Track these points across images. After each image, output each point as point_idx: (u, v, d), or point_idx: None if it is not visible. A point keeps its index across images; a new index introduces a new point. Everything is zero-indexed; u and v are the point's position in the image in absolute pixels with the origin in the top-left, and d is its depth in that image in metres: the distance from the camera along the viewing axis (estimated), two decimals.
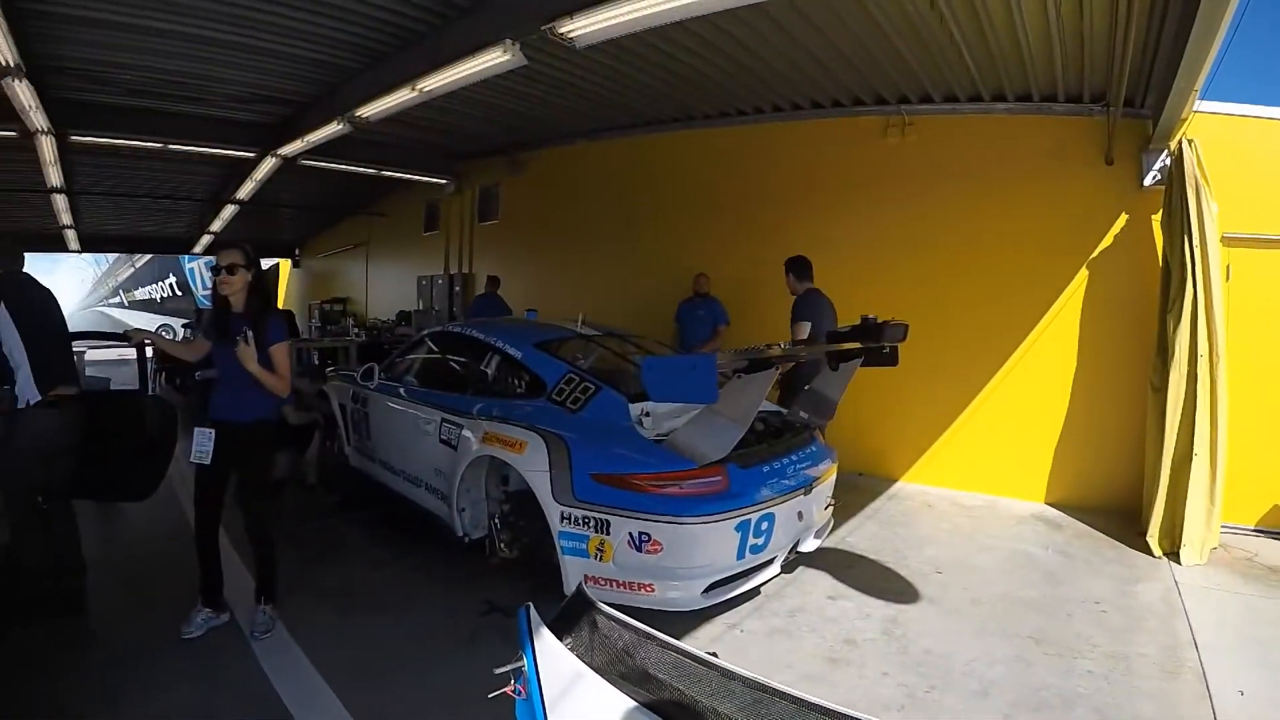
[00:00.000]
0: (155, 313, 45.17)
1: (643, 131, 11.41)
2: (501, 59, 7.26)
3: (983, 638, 4.96)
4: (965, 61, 7.51)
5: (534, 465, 5.07)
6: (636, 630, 1.83)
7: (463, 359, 7.00)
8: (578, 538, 4.85)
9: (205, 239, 21.40)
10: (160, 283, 47.16)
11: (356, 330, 15.55)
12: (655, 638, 1.78)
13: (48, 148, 11.92)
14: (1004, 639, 4.95)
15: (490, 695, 1.95)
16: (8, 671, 4.47)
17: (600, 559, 4.78)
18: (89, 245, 21.36)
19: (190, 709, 4.17)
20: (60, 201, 15.87)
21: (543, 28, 6.59)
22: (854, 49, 7.62)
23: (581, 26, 6.49)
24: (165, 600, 5.41)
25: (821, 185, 9.67)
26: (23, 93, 9.00)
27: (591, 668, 1.79)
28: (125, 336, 5.62)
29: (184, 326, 19.45)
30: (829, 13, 6.91)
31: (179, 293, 43.75)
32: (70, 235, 19.89)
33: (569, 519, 4.87)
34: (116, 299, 56.48)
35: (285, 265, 25.21)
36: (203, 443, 4.85)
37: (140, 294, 51.77)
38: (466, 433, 5.83)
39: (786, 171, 9.99)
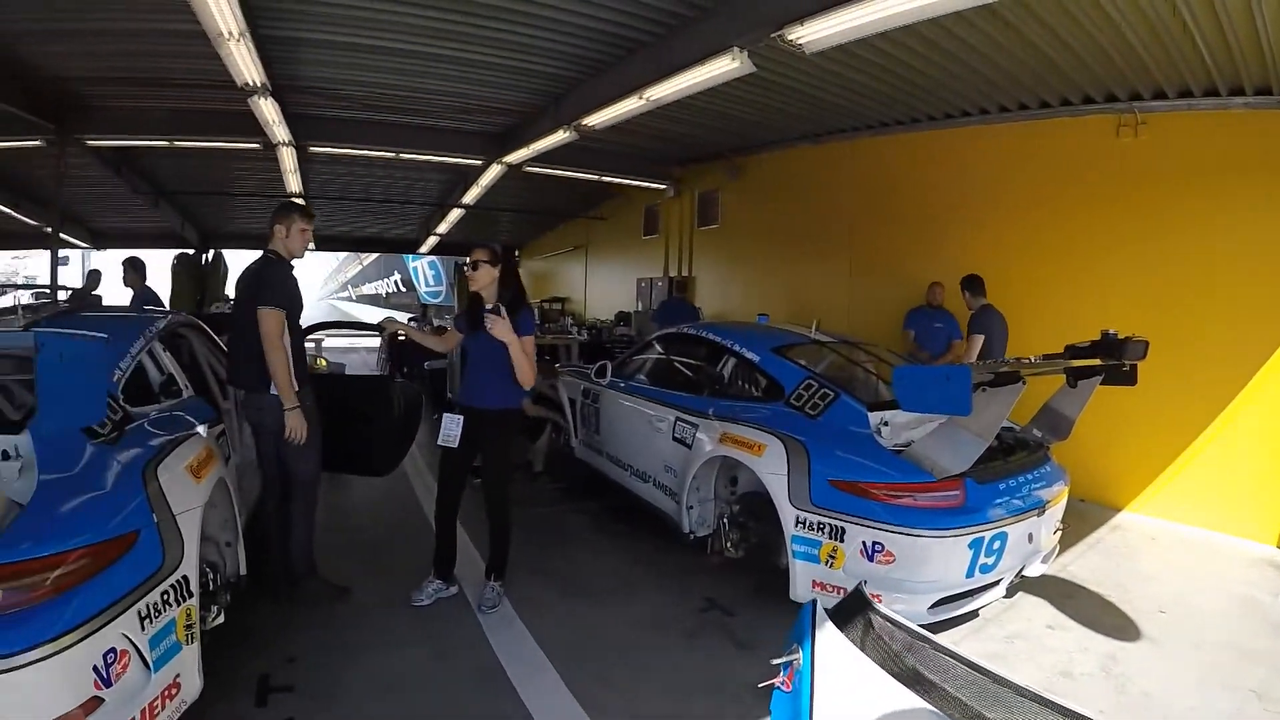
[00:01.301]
0: (380, 307, 47.49)
1: (864, 134, 11.20)
2: (730, 67, 7.33)
3: (1203, 688, 4.64)
4: (1200, 53, 7.07)
5: (772, 468, 5.13)
6: (912, 632, 1.87)
7: (698, 360, 7.14)
8: (811, 543, 4.88)
9: (431, 240, 22.54)
10: (386, 279, 49.64)
11: (576, 328, 15.91)
12: (930, 640, 1.82)
13: (288, 158, 13.16)
14: (1225, 691, 4.62)
15: (760, 685, 2.03)
16: (260, 623, 4.95)
17: (831, 566, 4.81)
18: (322, 245, 22.89)
19: (419, 670, 4.55)
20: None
21: (773, 35, 6.63)
22: (1084, 44, 7.26)
23: (812, 32, 6.49)
24: (396, 568, 5.96)
25: (1048, 189, 9.16)
26: (267, 109, 9.98)
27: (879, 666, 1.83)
28: (379, 327, 6.05)
29: (410, 320, 20.39)
30: (1059, 8, 6.65)
31: (403, 289, 45.85)
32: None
33: (804, 524, 4.90)
34: (345, 293, 59.91)
35: None
36: (451, 427, 5.23)
37: (367, 289, 54.76)
38: (702, 433, 5.92)
39: (1012, 174, 9.55)
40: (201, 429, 4.40)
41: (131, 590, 3.14)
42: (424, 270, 40.95)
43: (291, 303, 5.09)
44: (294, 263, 5.30)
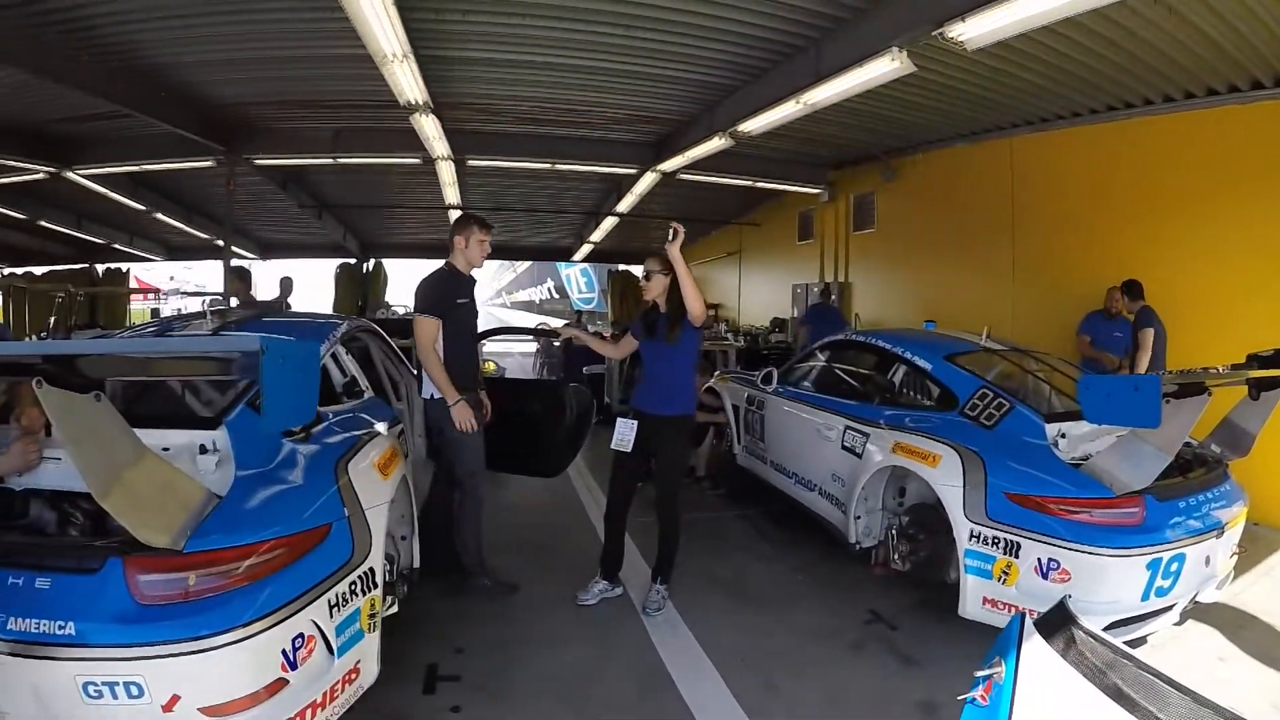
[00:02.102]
0: (533, 313, 48.42)
1: (1023, 131, 10.84)
2: (890, 68, 7.30)
3: None
4: None
5: (947, 480, 5.01)
6: (1115, 648, 1.80)
7: (867, 368, 7.06)
8: (984, 557, 4.75)
9: (585, 248, 22.84)
10: (538, 286, 50.72)
11: (731, 335, 15.88)
12: (1133, 657, 1.74)
13: (447, 171, 13.69)
14: None
15: (959, 697, 1.97)
16: (431, 614, 5.16)
17: (1004, 582, 4.68)
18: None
19: (584, 667, 4.65)
20: (455, 216, 17.44)
21: (933, 33, 6.56)
22: (1253, 27, 6.89)
23: (974, 28, 6.40)
24: (561, 567, 6.13)
25: (1215, 183, 8.51)
26: (428, 126, 10.43)
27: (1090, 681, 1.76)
28: (553, 333, 6.18)
29: (564, 325, 20.73)
30: None
31: (556, 295, 46.69)
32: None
33: (978, 537, 4.77)
34: (499, 300, 61.43)
35: None
36: (625, 432, 5.34)
37: (520, 296, 56.08)
38: (873, 442, 5.83)
39: (1178, 168, 8.93)
40: (382, 427, 4.60)
41: (323, 580, 3.37)
42: (576, 277, 41.70)
43: (448, 311, 5.39)
44: (473, 273, 5.65)
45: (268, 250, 23.53)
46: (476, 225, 5.56)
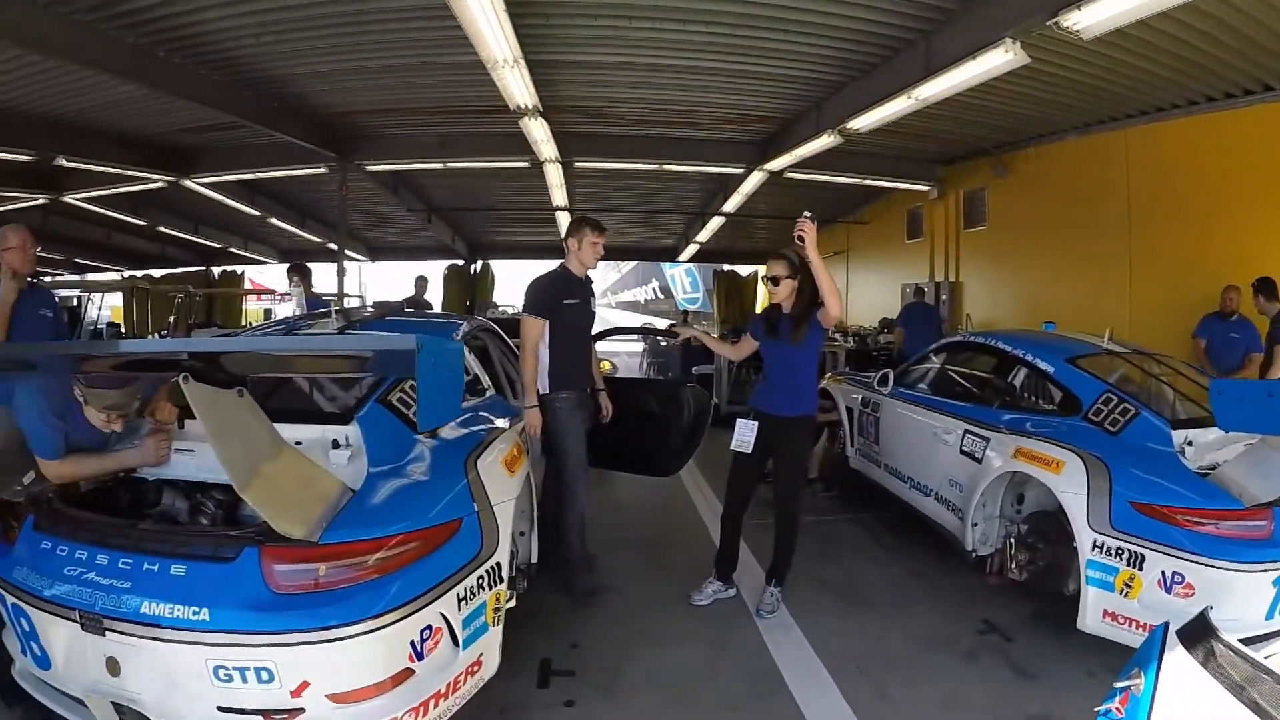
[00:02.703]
0: (638, 313, 48.63)
1: (1138, 122, 10.48)
2: (1003, 59, 7.20)
3: None
4: None
5: (1071, 487, 4.86)
6: (1254, 663, 1.77)
7: (986, 370, 6.94)
8: (1106, 569, 4.60)
9: (690, 248, 22.85)
10: (643, 286, 50.86)
11: (840, 335, 15.75)
12: (1272, 673, 1.71)
13: (554, 173, 13.86)
14: None
15: (1095, 709, 1.96)
16: (547, 609, 5.29)
17: (1125, 595, 4.52)
18: None
19: (697, 667, 4.71)
20: (562, 218, 17.83)
21: (1048, 22, 6.45)
22: None
23: (1089, 16, 6.28)
24: (673, 566, 6.23)
25: None
26: (536, 129, 10.56)
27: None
28: (672, 333, 6.23)
29: (670, 326, 20.77)
30: None
31: (661, 295, 46.79)
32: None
33: (1101, 548, 4.62)
34: (604, 300, 61.80)
35: (764, 273, 25.73)
36: (745, 432, 5.36)
37: (625, 296, 56.34)
38: (993, 447, 5.71)
39: None
40: (504, 424, 4.73)
41: (454, 573, 3.48)
42: (680, 277, 41.70)
43: (556, 312, 5.52)
44: (590, 275, 5.78)
45: (377, 253, 24.30)
46: (589, 228, 5.66)
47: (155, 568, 3.19)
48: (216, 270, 23.55)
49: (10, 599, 3.54)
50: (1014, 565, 5.48)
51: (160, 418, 3.95)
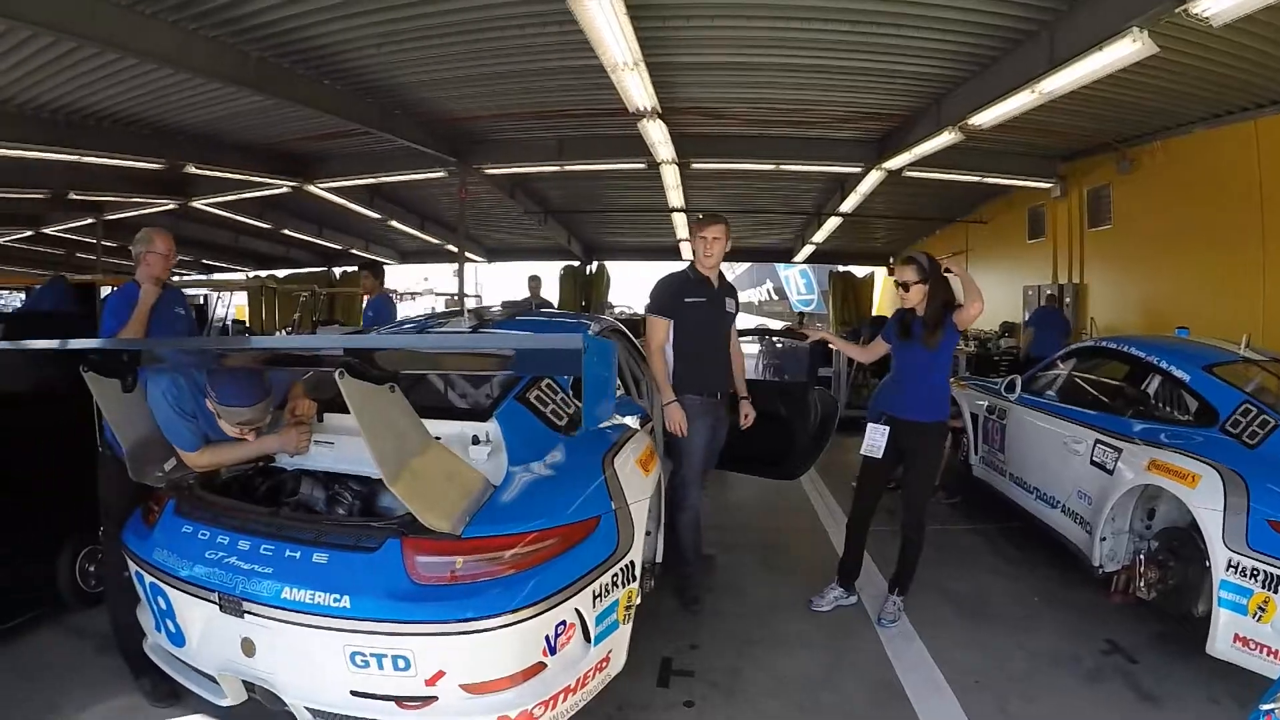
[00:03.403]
0: (752, 314, 48.54)
1: (1269, 112, 10.04)
2: (1130, 50, 7.01)
3: None
4: None
5: (1206, 502, 4.63)
6: None
7: (1118, 377, 6.75)
8: (1241, 591, 4.37)
9: (806, 249, 22.73)
10: (758, 288, 50.66)
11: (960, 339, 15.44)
12: None
13: (670, 175, 13.91)
14: None
15: None
16: (668, 609, 5.38)
17: (1259, 619, 4.29)
18: None
19: (817, 673, 4.70)
20: (678, 219, 18.04)
21: (1176, 9, 6.30)
22: None
23: (1219, 2, 6.14)
24: (794, 569, 6.24)
25: None
26: (654, 131, 10.59)
27: None
28: (801, 335, 6.21)
29: (785, 328, 20.63)
30: None
31: (775, 297, 46.59)
32: (685, 247, 22.31)
33: (1235, 568, 4.39)
34: None
35: (881, 274, 25.52)
36: (876, 437, 5.31)
37: (740, 297, 56.33)
38: (1125, 458, 5.48)
39: None
40: (635, 423, 4.82)
41: (591, 570, 3.57)
42: (795, 279, 41.47)
43: (678, 311, 5.49)
44: (724, 273, 5.75)
45: (494, 254, 24.87)
46: (697, 222, 5.66)
47: (297, 555, 3.35)
48: (338, 271, 24.34)
49: (149, 578, 3.74)
50: (1142, 583, 5.23)
51: (300, 412, 4.12)
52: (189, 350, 4.13)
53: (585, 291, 23.13)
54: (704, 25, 8.11)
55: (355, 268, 24.80)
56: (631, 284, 29.54)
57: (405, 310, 23.74)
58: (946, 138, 10.42)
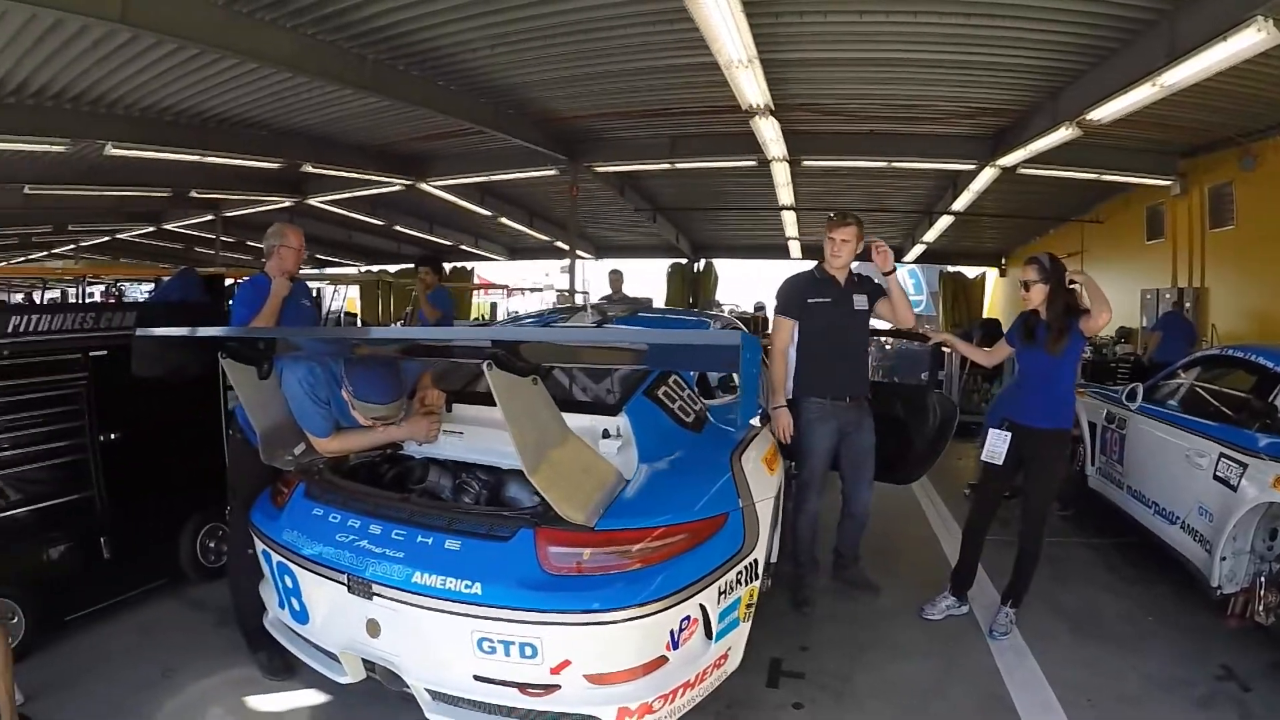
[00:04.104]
0: None
1: None
2: (1254, 39, 6.73)
3: None
4: None
5: None
6: None
7: (1244, 387, 6.34)
8: None
9: (916, 249, 22.33)
10: None
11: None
12: None
13: (781, 172, 13.86)
14: None
15: None
16: (780, 609, 5.30)
17: None
18: (807, 254, 23.26)
19: (926, 682, 4.64)
20: (787, 217, 17.96)
21: None
22: None
23: None
24: (905, 575, 6.16)
25: None
26: (767, 129, 10.57)
27: None
28: (923, 337, 6.14)
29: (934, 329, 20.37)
30: None
31: None
32: (794, 245, 22.37)
33: None
34: None
35: (992, 275, 25.04)
36: (997, 444, 5.17)
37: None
38: (1250, 474, 5.20)
39: None
40: (754, 420, 4.82)
41: (718, 567, 3.59)
42: (903, 278, 40.90)
43: (801, 312, 5.46)
44: (856, 273, 5.67)
45: (603, 251, 25.08)
46: (835, 224, 5.54)
47: (429, 541, 3.45)
48: (448, 266, 24.87)
49: (276, 557, 3.90)
50: (1260, 607, 5.00)
51: (429, 402, 4.25)
52: (342, 340, 4.28)
53: (693, 289, 23.26)
54: (816, 20, 8.06)
55: (464, 264, 25.39)
56: (739, 282, 29.41)
57: (517, 306, 24.23)
58: (1063, 134, 10.13)
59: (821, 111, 11.26)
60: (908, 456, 6.29)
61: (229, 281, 7.75)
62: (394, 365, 4.01)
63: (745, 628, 3.91)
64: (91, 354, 5.30)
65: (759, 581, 4.00)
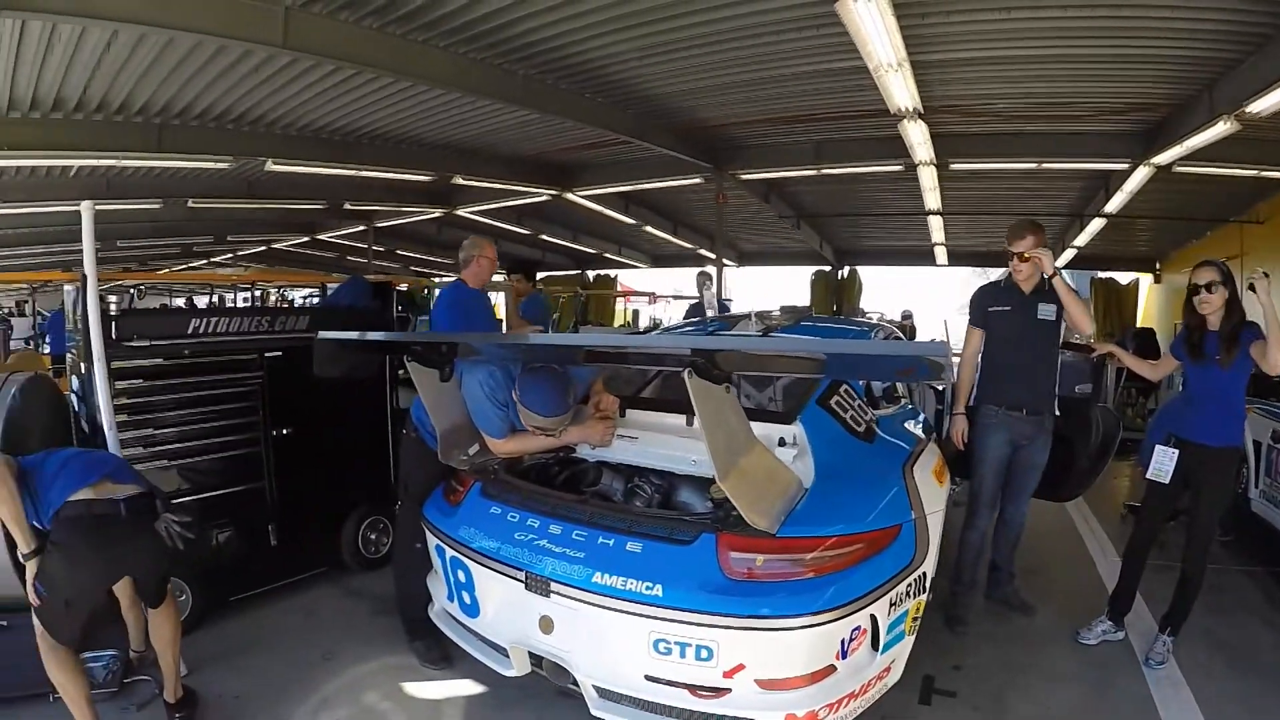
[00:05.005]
0: None
1: None
2: None
3: None
4: None
5: None
6: None
7: None
8: None
9: (1066, 254, 21.50)
10: None
11: None
12: None
13: (928, 176, 13.59)
14: None
15: None
16: (929, 622, 5.01)
17: None
18: (954, 260, 23.04)
19: (1079, 708, 4.55)
20: (934, 222, 17.65)
21: None
22: None
23: None
24: (1059, 596, 6.01)
25: None
26: (914, 132, 10.49)
27: None
28: (1088, 348, 5.94)
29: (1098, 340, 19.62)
30: None
31: None
32: (940, 251, 21.76)
33: None
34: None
35: (1146, 281, 24.06)
36: (1163, 461, 4.98)
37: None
38: None
39: None
40: (920, 430, 4.83)
41: (890, 578, 3.59)
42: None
43: (985, 321, 5.43)
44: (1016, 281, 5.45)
45: (745, 258, 25.04)
46: (1011, 236, 5.41)
47: (610, 542, 3.55)
48: (591, 274, 25.31)
49: (451, 552, 4.04)
50: None
51: (603, 407, 4.35)
52: (535, 347, 4.42)
53: (837, 296, 23.04)
54: (963, 20, 7.87)
55: (607, 271, 25.71)
56: (885, 289, 28.84)
57: (659, 314, 24.43)
58: (1222, 128, 9.64)
59: (969, 113, 10.99)
60: (1069, 473, 5.98)
61: (403, 288, 8.08)
62: (565, 379, 4.10)
63: (909, 641, 3.88)
64: (267, 355, 5.71)
65: (926, 595, 3.96)
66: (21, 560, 3.75)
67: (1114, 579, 5.44)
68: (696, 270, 14.16)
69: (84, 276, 4.67)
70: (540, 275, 23.81)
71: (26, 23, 7.38)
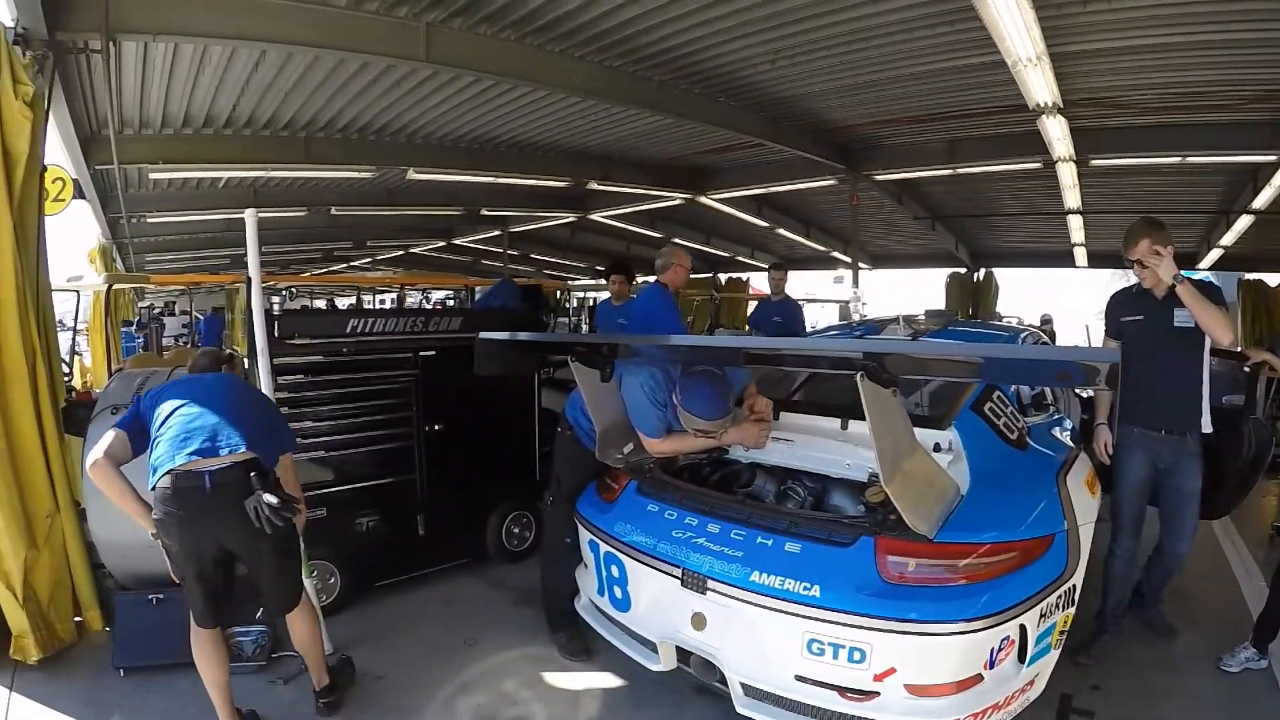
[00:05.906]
0: None
1: None
2: None
3: None
4: None
5: None
6: None
7: None
8: None
9: (1212, 254, 20.58)
10: None
11: None
12: None
13: (1067, 173, 13.12)
14: None
15: None
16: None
17: None
18: (1094, 261, 21.99)
19: None
20: (1073, 221, 17.07)
21: None
22: None
23: None
24: (1204, 620, 5.67)
25: None
26: (1053, 127, 10.17)
27: None
28: (1242, 355, 5.68)
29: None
30: None
31: None
32: (1079, 253, 20.83)
33: None
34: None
35: None
36: None
37: None
38: None
39: None
40: (1069, 439, 4.74)
41: (1042, 589, 3.52)
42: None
43: (1120, 330, 5.12)
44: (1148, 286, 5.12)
45: (878, 260, 24.61)
46: (1126, 242, 5.03)
47: (769, 543, 3.58)
48: (723, 277, 25.36)
49: (605, 547, 4.13)
50: None
51: (758, 409, 4.40)
52: (698, 349, 4.51)
53: (972, 299, 22.57)
54: (1101, 9, 7.55)
55: (739, 274, 25.70)
56: (1022, 293, 27.91)
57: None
58: None
59: (1109, 105, 10.56)
60: (1217, 489, 5.53)
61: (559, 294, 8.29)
62: (725, 382, 4.14)
63: (1054, 655, 3.79)
64: (421, 354, 5.99)
65: (1075, 608, 3.86)
66: (152, 540, 3.81)
67: (1259, 604, 5.13)
68: (830, 273, 14.04)
69: (249, 279, 4.94)
70: None
71: (179, 46, 7.82)
